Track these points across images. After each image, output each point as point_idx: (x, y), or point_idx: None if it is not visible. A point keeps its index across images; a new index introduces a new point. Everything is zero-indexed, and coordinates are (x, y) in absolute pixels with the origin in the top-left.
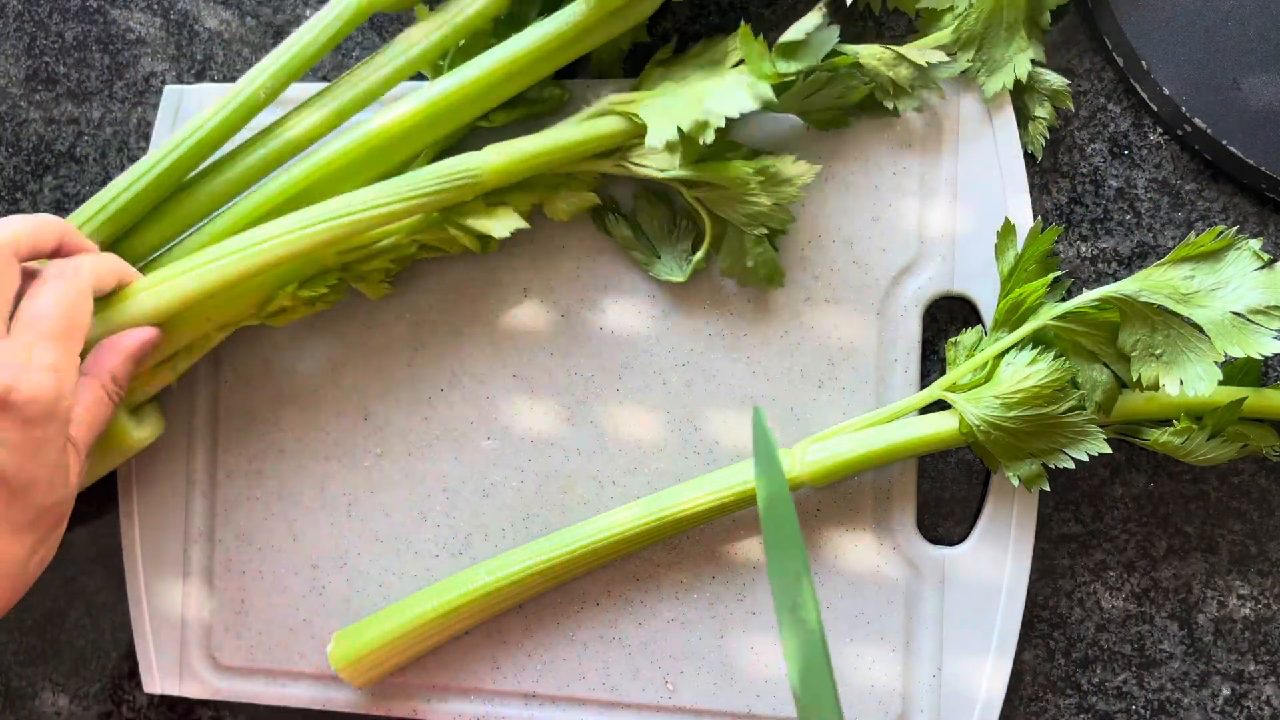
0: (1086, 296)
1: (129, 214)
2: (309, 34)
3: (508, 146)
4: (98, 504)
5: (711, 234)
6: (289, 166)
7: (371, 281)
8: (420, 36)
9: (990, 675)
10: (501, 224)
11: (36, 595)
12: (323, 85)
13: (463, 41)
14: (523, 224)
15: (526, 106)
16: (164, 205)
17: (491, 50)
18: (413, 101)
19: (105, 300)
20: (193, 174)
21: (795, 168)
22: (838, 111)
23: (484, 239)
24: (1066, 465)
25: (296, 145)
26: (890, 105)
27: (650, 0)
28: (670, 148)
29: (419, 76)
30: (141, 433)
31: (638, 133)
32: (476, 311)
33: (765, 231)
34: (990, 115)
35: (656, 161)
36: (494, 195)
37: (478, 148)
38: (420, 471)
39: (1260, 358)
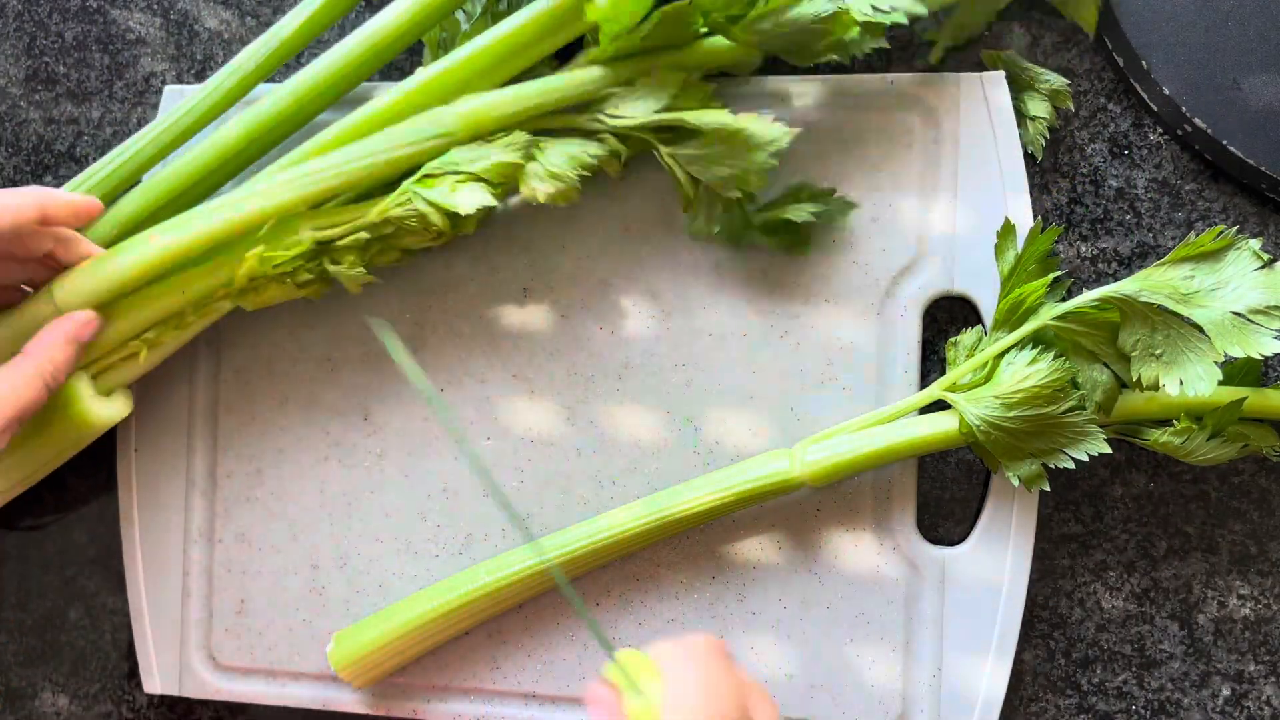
0: (1086, 296)
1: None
2: (294, 21)
3: (478, 97)
4: (98, 504)
5: (692, 195)
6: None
7: (348, 265)
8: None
9: (990, 675)
10: (467, 199)
11: (36, 595)
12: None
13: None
14: (490, 201)
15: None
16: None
17: (488, 31)
18: (410, 82)
19: (60, 273)
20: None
21: (771, 129)
22: (816, 44)
23: (453, 217)
24: (1066, 465)
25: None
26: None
27: None
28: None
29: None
30: (105, 412)
31: (612, 81)
32: (476, 311)
33: (739, 194)
34: (990, 115)
35: (632, 111)
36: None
37: None
38: (420, 471)
39: (1260, 358)
